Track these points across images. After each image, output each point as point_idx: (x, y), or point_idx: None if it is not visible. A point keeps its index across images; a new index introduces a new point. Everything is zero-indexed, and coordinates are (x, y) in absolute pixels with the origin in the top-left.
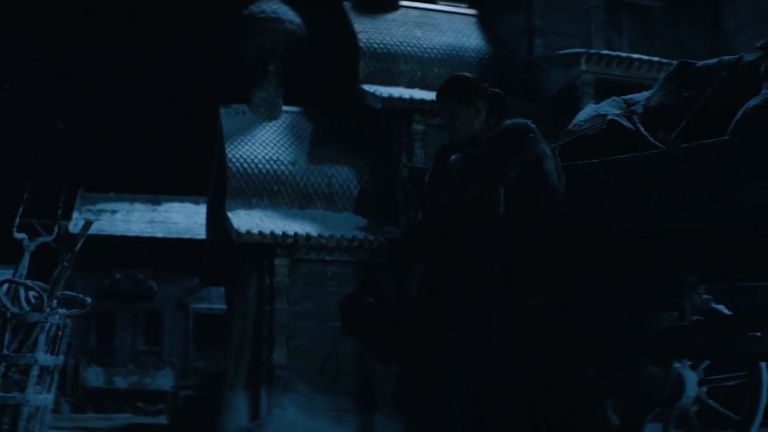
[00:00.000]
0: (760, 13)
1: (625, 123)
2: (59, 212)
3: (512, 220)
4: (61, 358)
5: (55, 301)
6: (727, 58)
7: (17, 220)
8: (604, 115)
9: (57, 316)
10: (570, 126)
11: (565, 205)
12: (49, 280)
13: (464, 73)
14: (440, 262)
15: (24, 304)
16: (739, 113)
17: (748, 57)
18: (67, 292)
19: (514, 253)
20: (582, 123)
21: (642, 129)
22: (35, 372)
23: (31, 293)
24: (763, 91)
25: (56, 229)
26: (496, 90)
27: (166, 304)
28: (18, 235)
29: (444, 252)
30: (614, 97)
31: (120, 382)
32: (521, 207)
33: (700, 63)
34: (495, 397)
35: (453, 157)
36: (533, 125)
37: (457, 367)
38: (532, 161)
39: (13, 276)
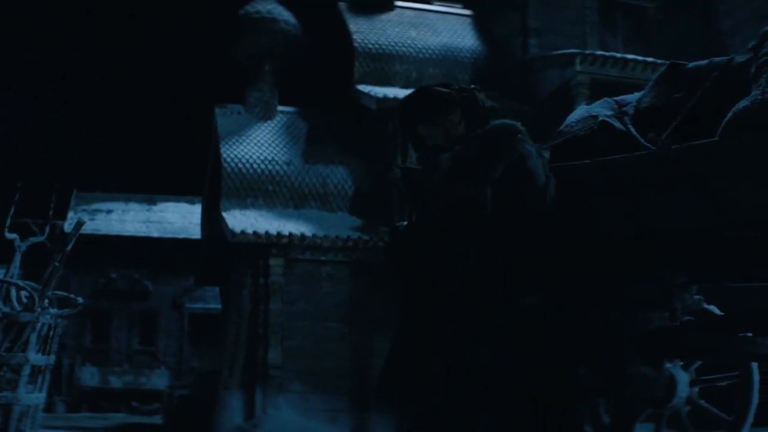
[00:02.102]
0: (755, 14)
1: (616, 124)
2: (51, 212)
3: (508, 220)
4: (52, 358)
5: (46, 301)
6: (717, 59)
7: (8, 220)
8: (595, 116)
9: (48, 316)
10: (561, 127)
11: (555, 206)
12: (41, 280)
13: (428, 87)
14: (437, 258)
15: (15, 303)
16: (729, 114)
17: (739, 58)
18: (59, 292)
19: (512, 252)
20: (573, 124)
21: (633, 130)
22: (26, 371)
23: (23, 293)
24: (753, 92)
25: (47, 229)
26: (464, 87)
27: (162, 304)
28: (9, 236)
29: (441, 248)
30: (606, 98)
31: (115, 382)
32: (508, 206)
33: (691, 64)
34: (496, 390)
35: (443, 156)
36: (520, 126)
37: (457, 360)
38: (516, 161)
39: (5, 276)
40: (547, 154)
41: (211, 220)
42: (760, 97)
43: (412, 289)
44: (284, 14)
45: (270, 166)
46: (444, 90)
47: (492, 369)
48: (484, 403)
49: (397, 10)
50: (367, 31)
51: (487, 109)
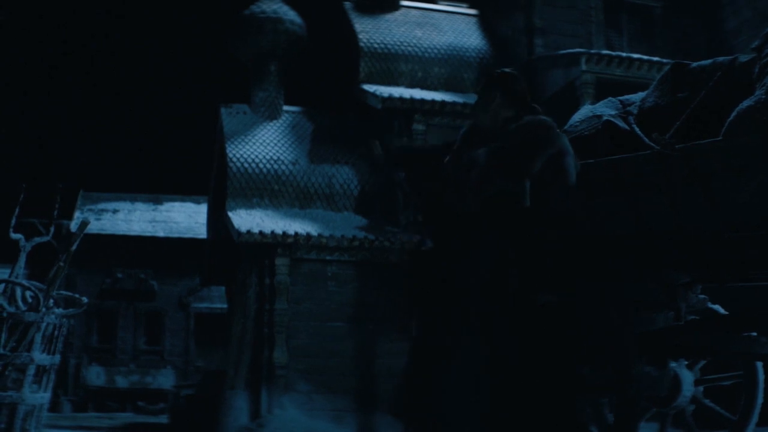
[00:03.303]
0: (760, 13)
1: (621, 124)
2: (55, 213)
3: (531, 216)
4: (57, 357)
5: (51, 301)
6: (721, 59)
7: (13, 220)
8: (599, 116)
9: (53, 316)
10: (566, 127)
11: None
12: (47, 279)
13: (507, 70)
14: (461, 252)
15: (20, 303)
16: (733, 114)
17: (743, 58)
18: (63, 292)
19: (530, 249)
20: (578, 124)
21: (637, 130)
22: (31, 371)
23: (28, 293)
24: (756, 92)
25: (52, 229)
26: (505, 71)
27: (168, 304)
28: (14, 236)
29: (466, 241)
30: (610, 98)
31: (121, 382)
32: (538, 202)
33: (695, 64)
34: (507, 382)
35: (479, 150)
36: (553, 122)
37: (476, 353)
38: (554, 156)
39: (10, 276)
40: None
41: (217, 219)
42: (763, 97)
43: (430, 294)
44: (290, 14)
45: (276, 166)
46: (515, 76)
47: (504, 362)
48: (498, 395)
49: (402, 10)
50: (372, 31)
51: (525, 91)
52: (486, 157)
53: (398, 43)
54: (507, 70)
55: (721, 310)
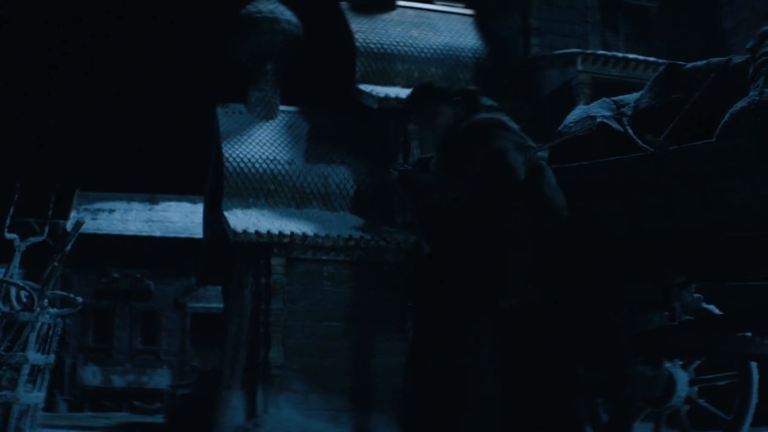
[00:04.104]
0: (757, 13)
1: (614, 125)
2: (51, 212)
3: (497, 218)
4: (52, 357)
5: (45, 301)
6: (716, 59)
7: (8, 220)
8: (593, 117)
9: (48, 316)
10: (560, 127)
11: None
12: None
13: (428, 81)
14: (456, 252)
15: (15, 303)
16: (726, 115)
17: (737, 59)
18: (58, 292)
19: (499, 251)
20: (572, 125)
21: (630, 131)
22: (26, 371)
23: (23, 293)
24: (750, 93)
25: (47, 229)
26: (468, 88)
27: (164, 303)
28: (9, 236)
29: (461, 241)
30: (604, 98)
31: (117, 381)
32: (488, 202)
33: (689, 65)
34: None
35: (431, 155)
36: (505, 119)
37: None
38: (493, 156)
39: (4, 276)
40: (545, 154)
41: (213, 219)
42: (757, 98)
43: (426, 301)
44: (286, 14)
45: (272, 166)
46: (440, 87)
47: (498, 363)
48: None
49: (398, 10)
50: (368, 31)
51: (487, 109)
52: (436, 163)
53: (394, 43)
54: (472, 88)
55: (716, 310)
